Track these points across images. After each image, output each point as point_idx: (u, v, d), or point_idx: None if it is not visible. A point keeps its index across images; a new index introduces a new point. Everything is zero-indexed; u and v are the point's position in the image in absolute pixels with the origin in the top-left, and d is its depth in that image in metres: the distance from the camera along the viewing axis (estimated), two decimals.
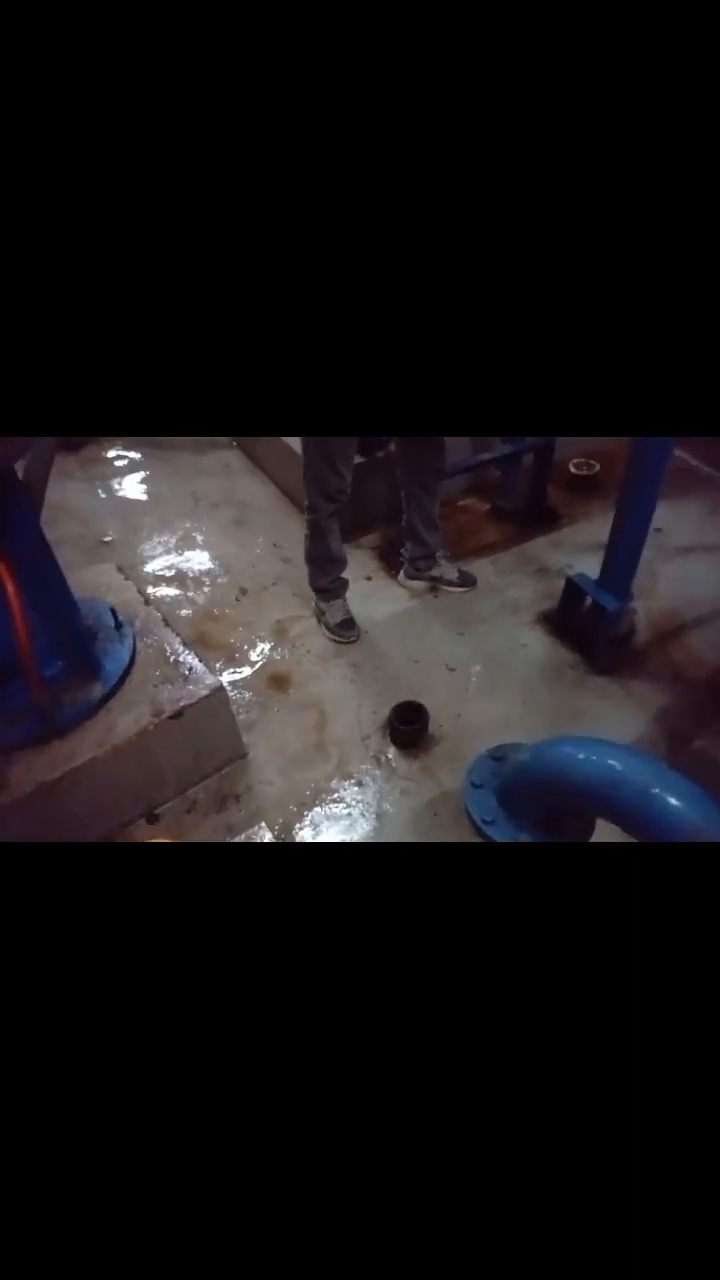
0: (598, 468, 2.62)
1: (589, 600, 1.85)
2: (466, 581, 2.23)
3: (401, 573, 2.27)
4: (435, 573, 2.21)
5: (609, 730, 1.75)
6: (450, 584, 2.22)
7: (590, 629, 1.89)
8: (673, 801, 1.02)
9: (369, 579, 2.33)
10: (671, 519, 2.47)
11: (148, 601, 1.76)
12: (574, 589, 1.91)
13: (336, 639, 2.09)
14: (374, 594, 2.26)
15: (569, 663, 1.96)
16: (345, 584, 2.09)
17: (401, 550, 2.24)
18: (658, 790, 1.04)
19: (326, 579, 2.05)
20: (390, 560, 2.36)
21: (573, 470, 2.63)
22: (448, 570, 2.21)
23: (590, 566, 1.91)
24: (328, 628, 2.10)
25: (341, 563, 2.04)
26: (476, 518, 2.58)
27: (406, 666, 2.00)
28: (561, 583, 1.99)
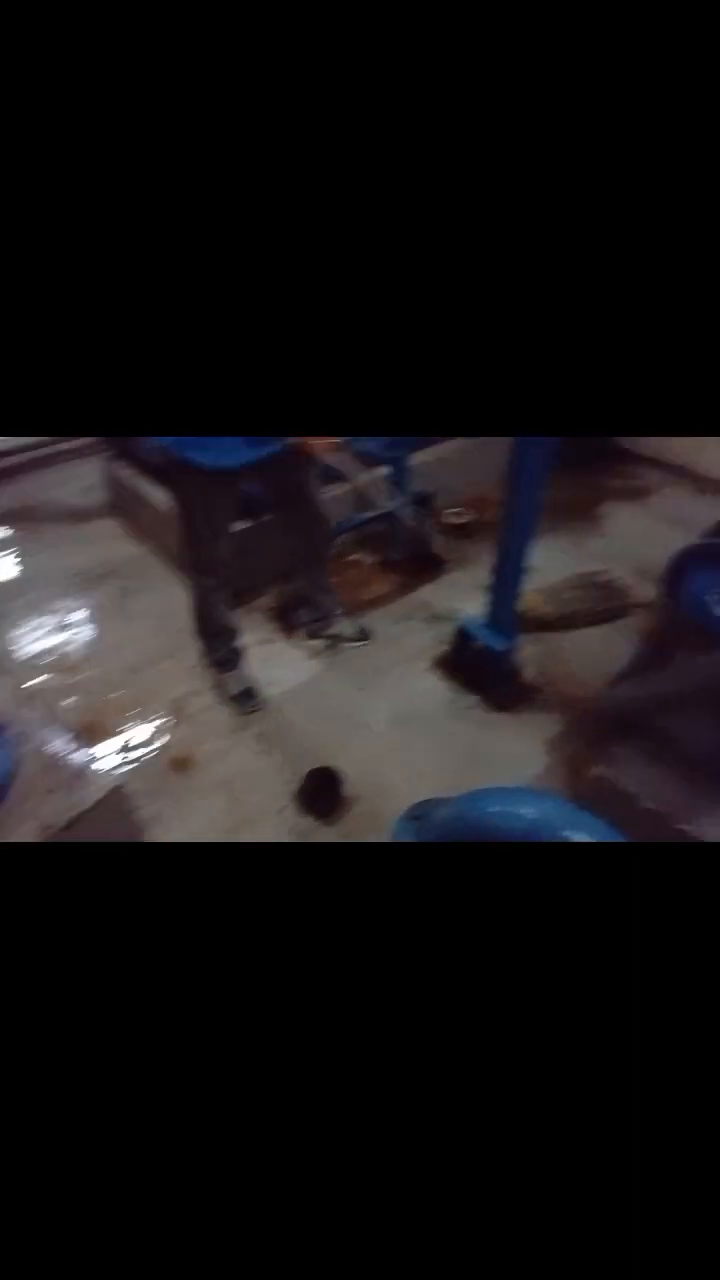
0: (473, 516, 2.79)
1: (479, 643, 1.94)
2: (363, 635, 2.26)
3: (299, 633, 2.27)
4: (332, 631, 2.24)
5: (515, 766, 1.81)
6: (348, 640, 2.25)
7: (484, 670, 1.97)
8: (586, 840, 1.07)
9: (267, 643, 2.30)
10: (545, 554, 2.67)
11: (25, 699, 1.61)
12: (464, 633, 1.99)
13: (238, 711, 2.02)
14: (273, 658, 2.23)
15: (470, 704, 2.02)
16: (241, 653, 2.04)
17: (298, 612, 2.25)
18: (568, 832, 1.08)
19: (220, 651, 2.00)
20: (286, 621, 2.35)
21: (451, 519, 2.79)
22: (344, 627, 2.24)
23: (476, 607, 2.00)
24: (228, 700, 2.04)
25: (233, 632, 1.99)
26: (366, 571, 2.64)
27: (314, 729, 1.97)
28: (452, 626, 2.07)
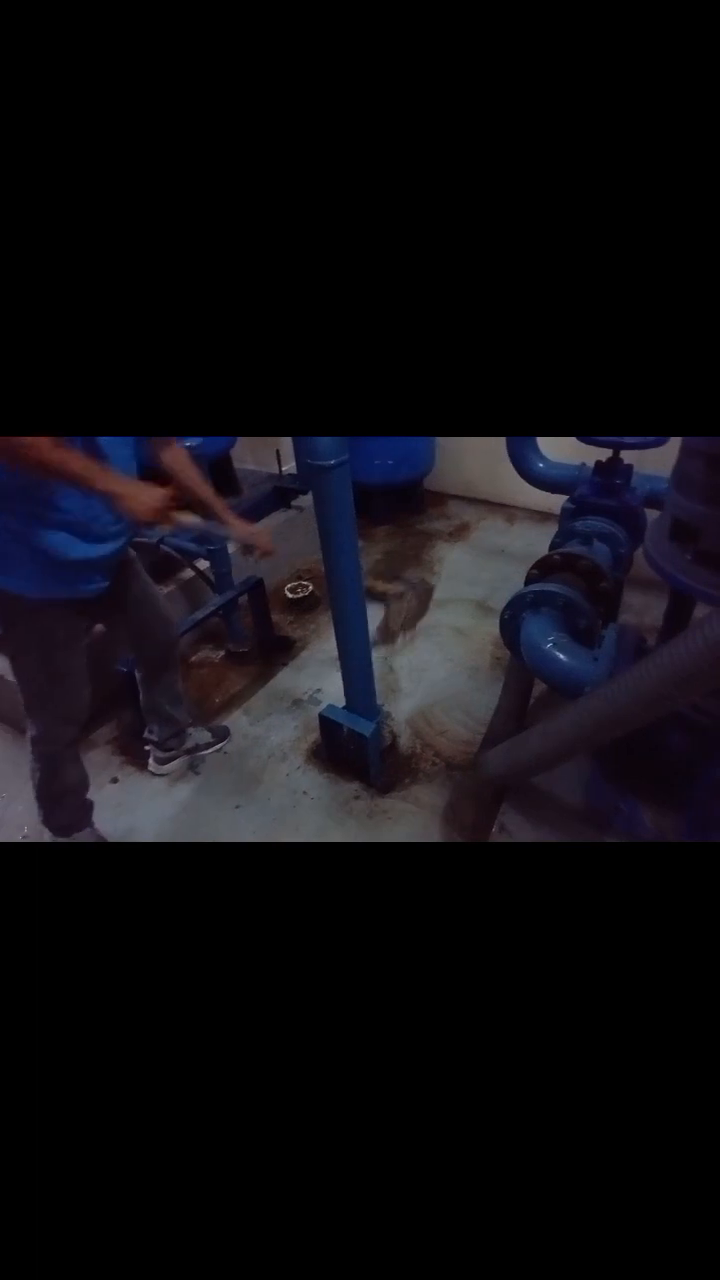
0: (311, 587, 2.73)
1: (346, 729, 1.84)
2: (220, 735, 2.07)
3: (151, 761, 2.01)
4: (188, 745, 2.01)
5: None
6: (206, 747, 2.04)
7: (358, 754, 1.87)
8: None
9: (115, 781, 2.01)
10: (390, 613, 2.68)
11: None
12: (329, 723, 1.88)
13: (220, 744, 1.92)
14: (127, 798, 1.95)
15: (353, 794, 1.90)
16: (90, 806, 1.74)
17: (146, 734, 1.98)
18: None
19: (67, 813, 1.68)
20: (134, 751, 2.08)
21: (289, 595, 2.70)
22: (199, 736, 2.03)
23: (337, 682, 1.89)
24: (205, 748, 1.91)
25: (84, 787, 1.68)
26: (214, 669, 2.46)
27: None
28: (317, 710, 1.95)
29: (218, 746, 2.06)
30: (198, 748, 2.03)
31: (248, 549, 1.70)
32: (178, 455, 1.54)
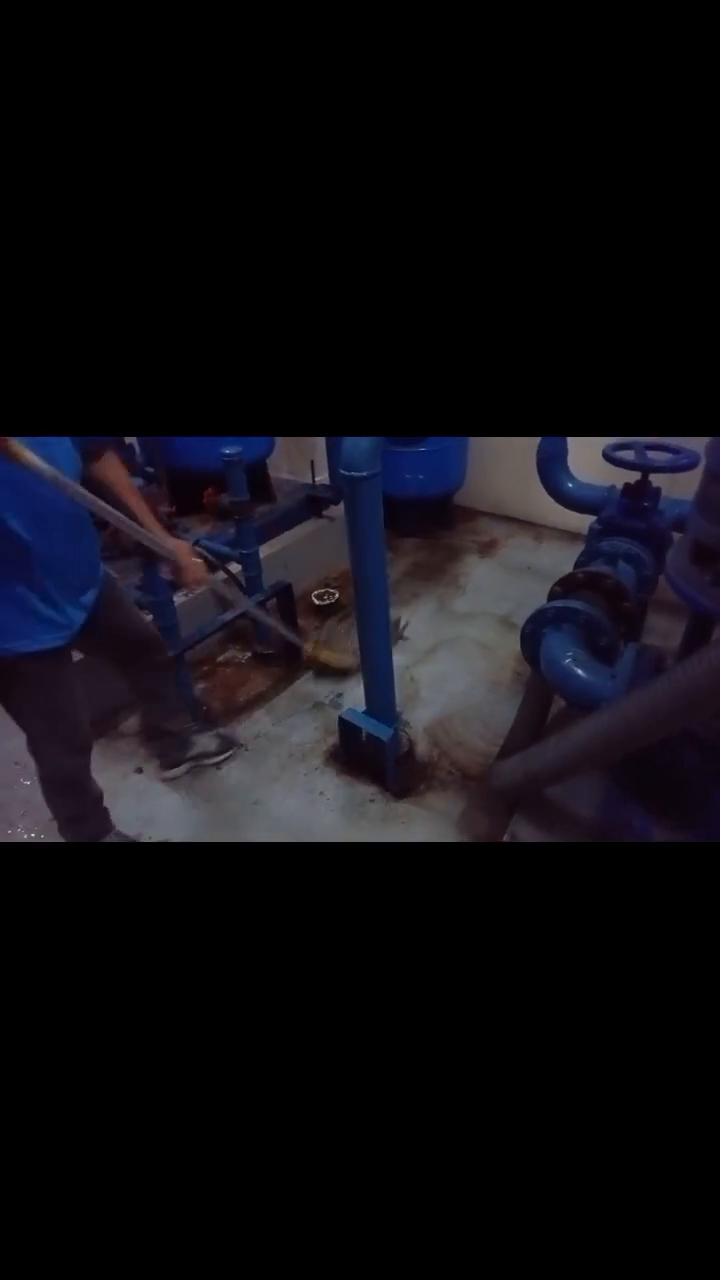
0: (337, 594, 2.79)
1: (365, 733, 1.88)
2: (228, 745, 2.07)
3: (159, 766, 2.02)
4: (193, 753, 2.02)
5: None
6: (212, 756, 2.04)
7: (375, 759, 1.91)
8: None
9: (139, 771, 2.09)
10: (414, 621, 2.72)
11: None
12: (348, 726, 1.93)
13: (231, 752, 2.00)
14: (149, 791, 2.02)
15: (368, 797, 1.94)
16: (108, 814, 1.74)
17: (152, 744, 2.01)
18: None
19: (90, 828, 1.69)
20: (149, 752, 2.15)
21: (315, 601, 2.77)
22: (205, 743, 2.03)
23: (358, 687, 1.94)
24: (214, 756, 1.98)
25: (101, 798, 1.70)
26: (239, 669, 2.53)
27: None
28: (337, 713, 2.00)
29: (224, 757, 2.05)
30: (203, 756, 2.03)
31: (175, 573, 1.63)
32: (112, 463, 1.46)
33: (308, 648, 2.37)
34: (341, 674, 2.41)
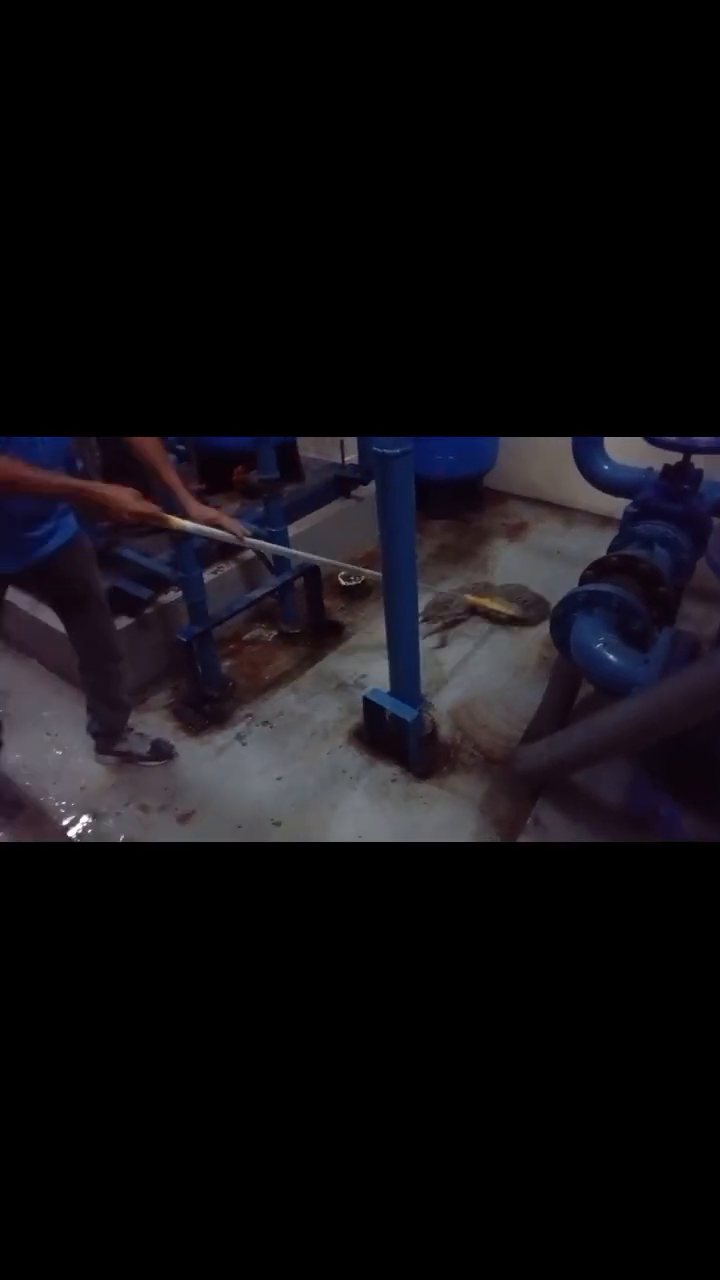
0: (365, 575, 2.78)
1: (388, 714, 1.88)
2: (161, 753, 2.02)
3: (95, 746, 2.03)
4: (123, 748, 2.01)
5: (444, 835, 1.74)
6: (143, 759, 2.01)
7: (398, 739, 1.91)
8: None
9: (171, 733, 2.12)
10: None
11: None
12: (372, 706, 1.93)
13: (156, 763, 2.02)
14: (177, 762, 2.05)
15: (390, 777, 1.95)
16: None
17: (87, 726, 2.01)
18: None
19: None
20: (188, 719, 2.19)
21: (342, 581, 2.76)
22: (136, 744, 2.02)
23: (382, 668, 1.95)
24: (141, 760, 2.00)
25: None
26: (265, 647, 2.54)
27: (230, 835, 1.81)
28: (361, 694, 2.00)
29: (152, 765, 2.02)
30: (133, 756, 2.01)
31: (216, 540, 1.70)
32: (144, 438, 1.56)
33: (469, 597, 2.53)
34: (511, 621, 2.54)
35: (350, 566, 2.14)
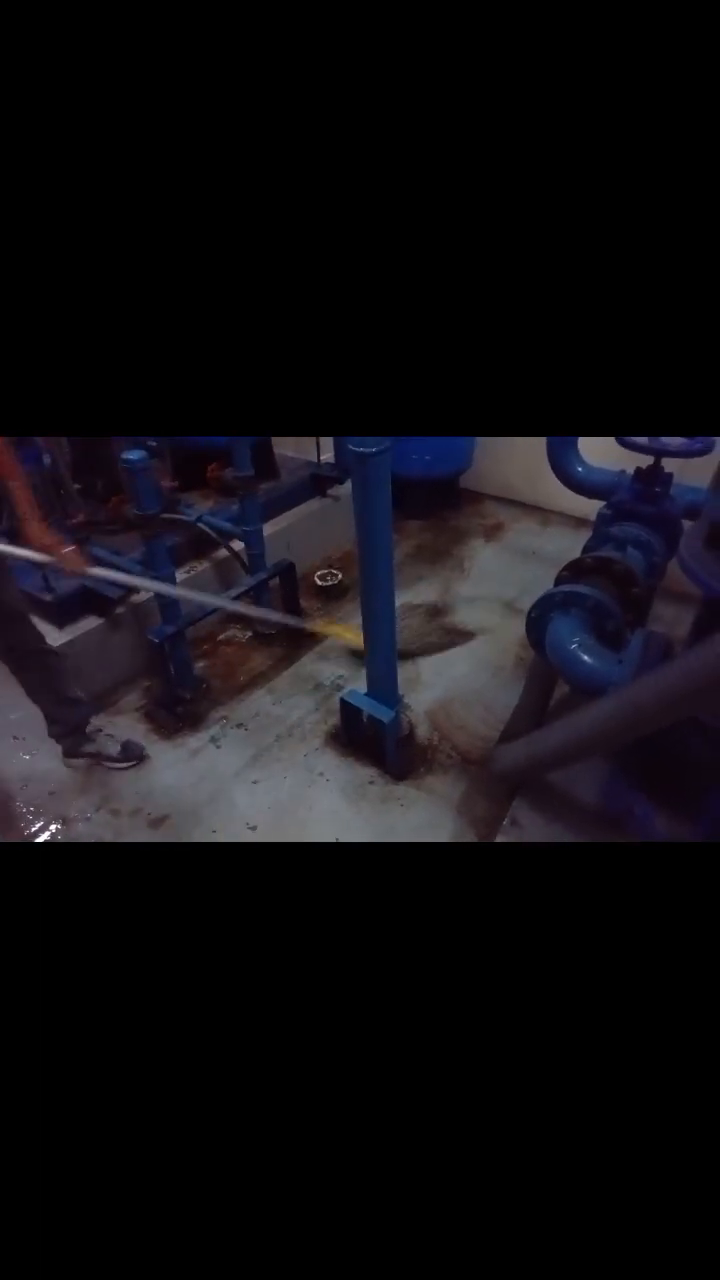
0: (340, 576, 2.76)
1: (365, 715, 1.86)
2: (131, 754, 1.97)
3: (62, 750, 1.96)
4: (91, 749, 1.95)
5: (422, 836, 1.74)
6: (112, 760, 1.96)
7: (376, 741, 1.90)
8: None
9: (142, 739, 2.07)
10: (418, 602, 2.69)
11: None
12: (349, 708, 1.91)
13: (127, 764, 1.96)
14: (149, 764, 2.01)
15: (368, 779, 1.93)
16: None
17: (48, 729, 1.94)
18: None
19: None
20: (160, 721, 2.14)
21: (318, 581, 2.74)
22: (106, 745, 1.96)
23: (360, 670, 1.93)
24: (111, 761, 1.95)
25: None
26: (240, 648, 2.51)
27: (204, 840, 1.77)
28: (338, 695, 1.99)
29: (123, 766, 1.97)
30: (102, 757, 1.96)
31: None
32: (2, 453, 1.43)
33: (318, 624, 2.33)
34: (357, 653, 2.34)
35: (263, 613, 2.13)
